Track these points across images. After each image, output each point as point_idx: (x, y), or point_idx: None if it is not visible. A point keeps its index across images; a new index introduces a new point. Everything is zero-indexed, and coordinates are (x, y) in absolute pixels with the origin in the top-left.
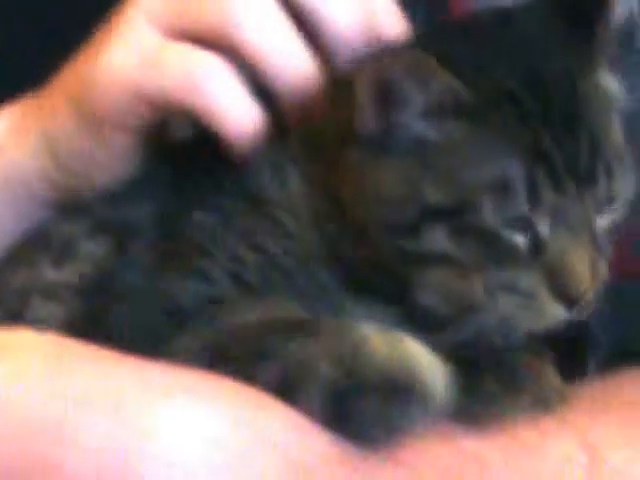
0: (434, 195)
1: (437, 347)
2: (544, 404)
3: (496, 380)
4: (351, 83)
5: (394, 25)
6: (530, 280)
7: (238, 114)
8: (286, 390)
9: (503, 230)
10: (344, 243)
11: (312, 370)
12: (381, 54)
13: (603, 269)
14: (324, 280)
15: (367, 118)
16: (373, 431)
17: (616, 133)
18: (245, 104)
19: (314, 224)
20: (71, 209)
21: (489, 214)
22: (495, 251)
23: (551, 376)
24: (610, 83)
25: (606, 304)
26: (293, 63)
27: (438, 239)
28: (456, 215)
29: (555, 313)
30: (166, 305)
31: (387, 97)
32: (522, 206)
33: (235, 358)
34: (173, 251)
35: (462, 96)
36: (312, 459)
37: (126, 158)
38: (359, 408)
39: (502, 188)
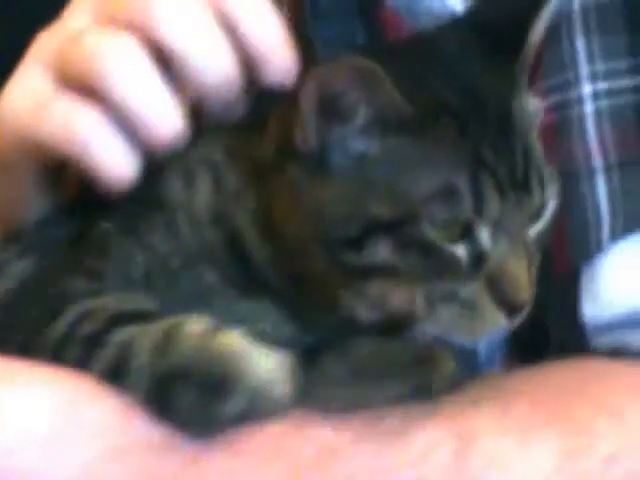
0: (378, 209)
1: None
2: (426, 393)
3: (371, 366)
4: (287, 99)
5: (278, 52)
6: (471, 290)
7: (111, 166)
8: (117, 377)
9: (445, 241)
10: (266, 252)
11: (135, 358)
12: (324, 66)
13: (534, 276)
14: (214, 281)
15: (309, 132)
16: (195, 420)
17: (538, 147)
18: (120, 156)
19: (219, 227)
20: (9, 237)
21: (433, 225)
22: (437, 262)
23: (442, 366)
24: (530, 101)
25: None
26: (160, 121)
27: (381, 252)
28: (400, 227)
29: (496, 321)
30: (55, 302)
31: (330, 109)
32: (467, 212)
33: (77, 344)
34: (74, 256)
35: (403, 109)
36: (135, 445)
37: (34, 193)
38: (175, 397)
39: (448, 195)
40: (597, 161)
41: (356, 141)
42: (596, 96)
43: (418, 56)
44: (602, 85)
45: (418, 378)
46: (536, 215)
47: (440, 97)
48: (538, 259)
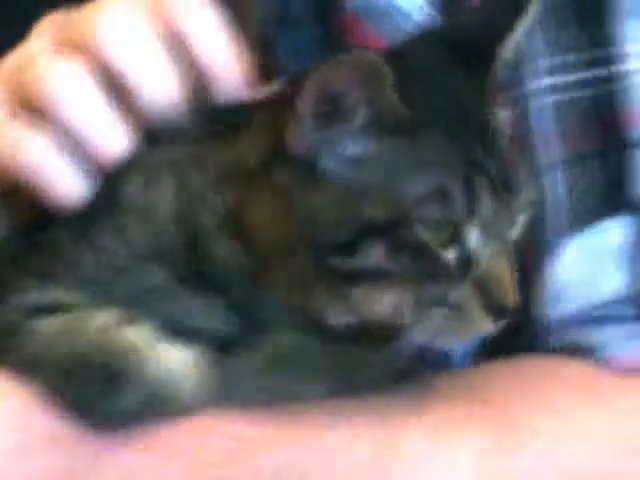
0: (372, 211)
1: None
2: (356, 389)
3: (292, 361)
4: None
5: (228, 69)
6: (460, 293)
7: (61, 187)
8: (32, 368)
9: (435, 243)
10: (232, 253)
11: (41, 349)
12: (324, 66)
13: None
14: (163, 280)
15: (304, 135)
16: (95, 414)
17: (512, 155)
18: (69, 176)
19: (180, 227)
20: None
21: (425, 227)
22: (429, 265)
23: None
24: (500, 115)
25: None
26: (104, 140)
27: (374, 255)
28: (394, 230)
29: (483, 325)
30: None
31: (329, 110)
32: (460, 213)
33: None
34: (27, 261)
35: (400, 111)
36: (40, 439)
37: None
38: (76, 390)
39: (441, 196)
40: (555, 155)
41: (353, 142)
42: (553, 90)
43: (399, 65)
44: (553, 80)
45: (340, 375)
46: (520, 217)
47: (433, 101)
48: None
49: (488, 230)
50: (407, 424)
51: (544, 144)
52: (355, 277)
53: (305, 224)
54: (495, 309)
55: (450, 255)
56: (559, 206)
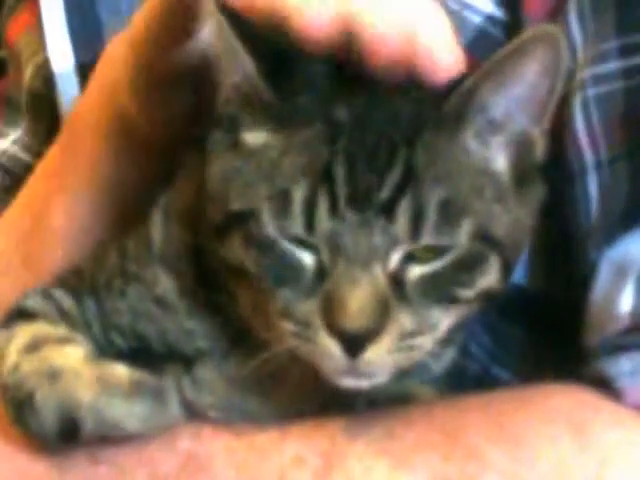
0: (235, 200)
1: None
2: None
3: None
4: None
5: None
6: (306, 307)
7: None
8: None
9: (284, 244)
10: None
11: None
12: None
13: (407, 321)
14: (169, 290)
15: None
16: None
17: (482, 204)
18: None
19: (188, 231)
20: None
21: (270, 226)
22: (280, 268)
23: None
24: (490, 157)
25: None
26: None
27: (235, 247)
28: (245, 223)
29: (330, 350)
30: None
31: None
32: (297, 226)
33: None
34: None
35: (274, 104)
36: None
37: None
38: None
39: (281, 203)
40: (588, 157)
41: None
42: (595, 82)
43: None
44: (589, 72)
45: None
46: (420, 256)
47: (327, 108)
48: (425, 304)
49: (336, 248)
50: (361, 447)
51: (591, 143)
52: (230, 270)
53: (205, 191)
54: (337, 332)
55: (307, 259)
56: (591, 218)
